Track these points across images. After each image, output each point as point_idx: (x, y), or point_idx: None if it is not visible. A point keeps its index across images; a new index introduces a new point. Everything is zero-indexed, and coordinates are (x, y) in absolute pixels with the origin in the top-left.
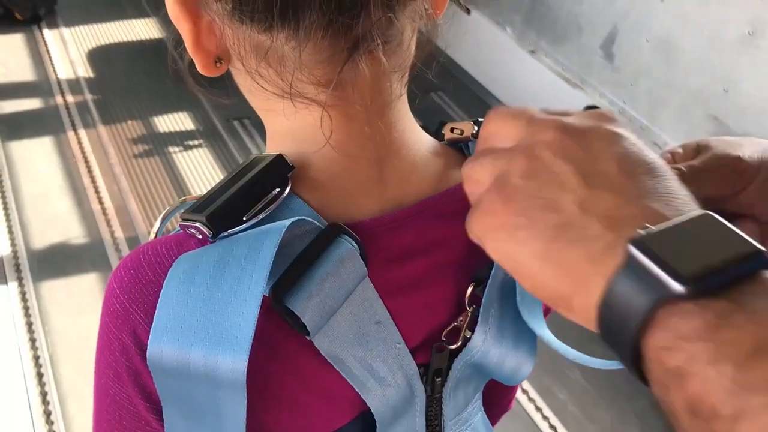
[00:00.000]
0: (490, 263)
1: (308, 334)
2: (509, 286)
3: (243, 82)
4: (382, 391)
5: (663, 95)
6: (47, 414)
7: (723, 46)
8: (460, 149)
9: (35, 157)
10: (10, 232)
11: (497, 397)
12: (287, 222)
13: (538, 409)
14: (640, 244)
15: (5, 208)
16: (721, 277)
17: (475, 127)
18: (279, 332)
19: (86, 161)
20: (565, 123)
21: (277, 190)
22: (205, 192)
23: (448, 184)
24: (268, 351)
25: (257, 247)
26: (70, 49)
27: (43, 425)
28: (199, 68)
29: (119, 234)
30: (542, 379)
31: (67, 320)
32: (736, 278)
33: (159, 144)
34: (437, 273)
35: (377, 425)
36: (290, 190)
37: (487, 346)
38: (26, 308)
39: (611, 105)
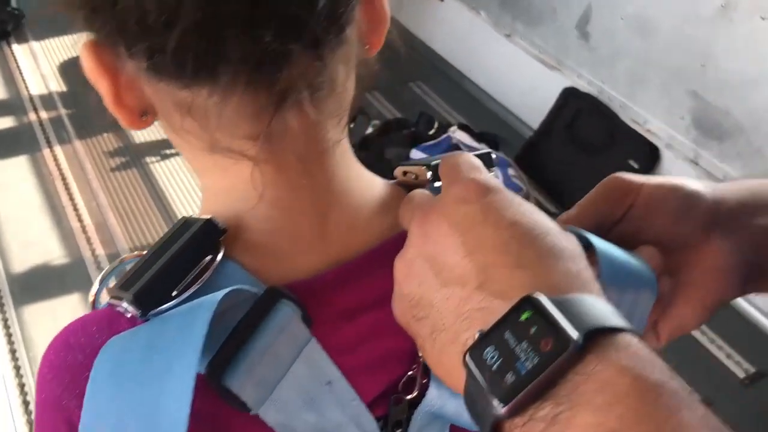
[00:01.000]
0: None
1: (249, 410)
2: None
3: (171, 138)
4: None
5: (641, 73)
6: None
7: (698, 21)
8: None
9: (11, 177)
10: None
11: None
12: (219, 296)
13: None
14: (474, 353)
15: None
16: (537, 391)
17: (429, 173)
18: (223, 410)
19: (63, 178)
20: (425, 219)
21: (209, 257)
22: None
23: (397, 230)
24: (217, 428)
25: (187, 327)
26: (41, 63)
27: None
28: (122, 125)
29: (100, 251)
30: None
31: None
32: (553, 380)
33: (136, 155)
34: (390, 325)
35: None
36: (223, 255)
37: (443, 399)
38: (9, 335)
39: (590, 85)
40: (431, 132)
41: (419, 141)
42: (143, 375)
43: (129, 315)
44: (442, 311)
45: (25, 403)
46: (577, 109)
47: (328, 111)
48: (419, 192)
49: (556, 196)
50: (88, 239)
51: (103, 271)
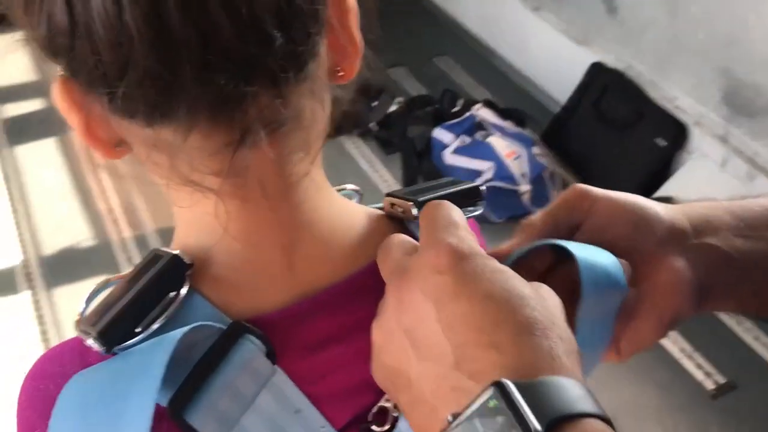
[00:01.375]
0: None
1: None
2: None
3: (144, 168)
4: None
5: (670, 49)
6: None
7: None
8: (400, 221)
9: (40, 161)
10: (21, 240)
11: None
12: (179, 334)
13: None
14: None
15: (15, 216)
16: None
17: (414, 210)
18: None
19: (91, 161)
20: (401, 285)
21: (173, 293)
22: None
23: (369, 259)
24: None
25: (146, 364)
26: None
27: None
28: (99, 155)
29: (127, 233)
30: None
31: None
32: None
33: None
34: (359, 355)
35: None
36: (188, 290)
37: None
38: (40, 316)
39: (618, 60)
40: (455, 109)
41: (443, 119)
42: (104, 409)
43: (95, 350)
44: (421, 385)
45: None
46: (604, 85)
47: (294, 145)
48: (397, 242)
49: (582, 174)
50: (115, 221)
51: (90, 291)
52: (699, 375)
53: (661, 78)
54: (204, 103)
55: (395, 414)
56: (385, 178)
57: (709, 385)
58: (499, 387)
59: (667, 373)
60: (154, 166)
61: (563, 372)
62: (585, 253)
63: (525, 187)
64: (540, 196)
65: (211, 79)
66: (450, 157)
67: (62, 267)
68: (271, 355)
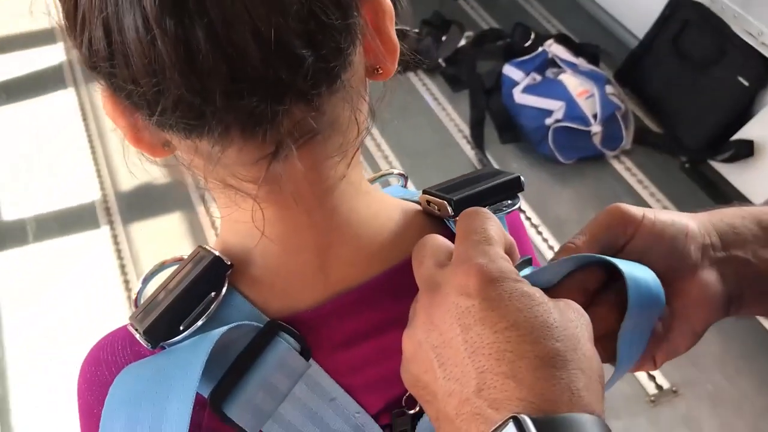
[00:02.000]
0: None
1: None
2: None
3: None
4: None
5: None
6: None
7: None
8: (437, 218)
9: None
10: (99, 176)
11: None
12: (217, 334)
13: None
14: None
15: (93, 153)
16: None
17: (450, 208)
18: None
19: None
20: (431, 303)
21: (213, 293)
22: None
23: (403, 256)
24: None
25: (188, 361)
26: None
27: None
28: (146, 156)
29: None
30: None
31: (157, 261)
32: None
33: None
34: (389, 350)
35: None
36: (228, 289)
37: None
38: (118, 251)
39: None
40: (527, 44)
41: (513, 54)
42: (149, 402)
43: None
44: (446, 403)
45: None
46: (685, 20)
47: (330, 150)
48: (431, 247)
49: (658, 114)
50: None
51: (146, 273)
52: (766, 323)
53: (747, 11)
54: (237, 123)
55: None
56: (452, 116)
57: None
58: (517, 422)
59: (730, 320)
60: (197, 170)
61: (582, 408)
62: (631, 269)
63: (596, 128)
64: (611, 137)
65: (241, 103)
66: (519, 96)
67: (139, 203)
68: (305, 352)
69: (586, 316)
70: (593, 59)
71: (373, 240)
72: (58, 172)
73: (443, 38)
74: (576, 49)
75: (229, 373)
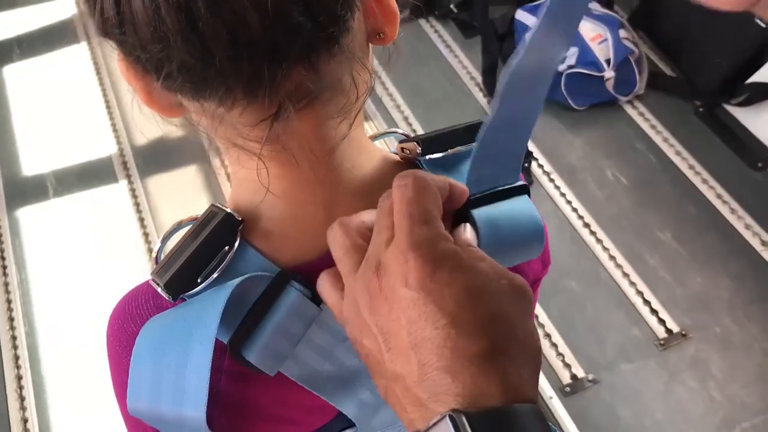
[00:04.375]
0: None
1: (269, 374)
2: None
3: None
4: (357, 395)
5: None
6: None
7: None
8: (412, 164)
9: None
10: (115, 130)
11: None
12: (232, 285)
13: (626, 275)
14: None
15: (107, 106)
16: None
17: (419, 148)
18: (251, 367)
19: None
20: (371, 287)
21: (227, 248)
22: None
23: None
24: (245, 383)
25: (205, 312)
26: None
27: None
28: (161, 116)
29: None
30: (631, 244)
31: (175, 213)
32: None
33: None
34: None
35: (357, 426)
36: (240, 243)
37: None
38: (137, 204)
39: None
40: None
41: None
42: (173, 348)
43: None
44: (393, 386)
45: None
46: None
47: (332, 111)
48: (360, 222)
49: (672, 58)
50: None
51: (165, 232)
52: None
53: None
54: (238, 86)
55: None
56: (465, 63)
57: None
58: (452, 419)
59: (741, 264)
60: (207, 129)
61: (516, 397)
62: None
63: (609, 73)
64: (625, 82)
65: (242, 67)
66: None
67: (155, 157)
68: (316, 298)
69: (530, 291)
70: (607, 2)
71: (374, 195)
72: (74, 127)
73: None
74: None
75: (246, 319)
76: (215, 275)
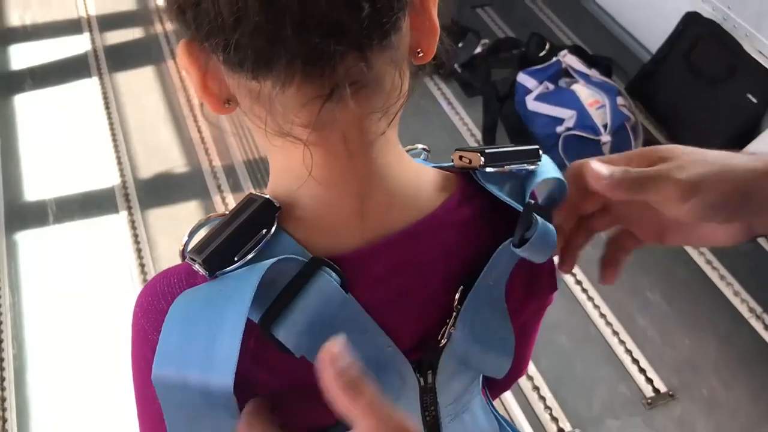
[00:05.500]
0: (475, 266)
1: (294, 354)
2: (491, 290)
3: (248, 121)
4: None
5: None
6: None
7: None
8: (468, 174)
9: (139, 88)
10: (119, 162)
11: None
12: (269, 262)
13: (615, 333)
14: None
15: (114, 140)
16: None
17: (482, 158)
18: (274, 352)
19: (185, 90)
20: None
21: (264, 231)
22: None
23: (429, 209)
24: (266, 368)
25: (241, 286)
26: None
27: None
28: (210, 109)
29: (216, 162)
30: (622, 303)
31: (173, 247)
32: None
33: None
34: (418, 289)
35: None
36: (276, 229)
37: (466, 345)
38: (135, 235)
39: (714, 10)
40: (542, 54)
41: (528, 63)
42: (205, 319)
43: (201, 273)
44: None
45: None
46: (697, 36)
47: (374, 106)
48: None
49: (667, 128)
50: (206, 150)
51: (193, 226)
52: (759, 328)
53: (758, 31)
54: (300, 57)
55: (452, 330)
56: (465, 120)
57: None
58: None
59: (728, 328)
60: (255, 118)
61: None
62: None
63: (606, 138)
64: (620, 147)
65: (307, 36)
66: (532, 103)
67: (157, 191)
68: (344, 286)
69: None
70: (606, 71)
71: (403, 192)
72: (79, 158)
73: (460, 45)
74: (589, 60)
75: (278, 299)
76: (251, 255)
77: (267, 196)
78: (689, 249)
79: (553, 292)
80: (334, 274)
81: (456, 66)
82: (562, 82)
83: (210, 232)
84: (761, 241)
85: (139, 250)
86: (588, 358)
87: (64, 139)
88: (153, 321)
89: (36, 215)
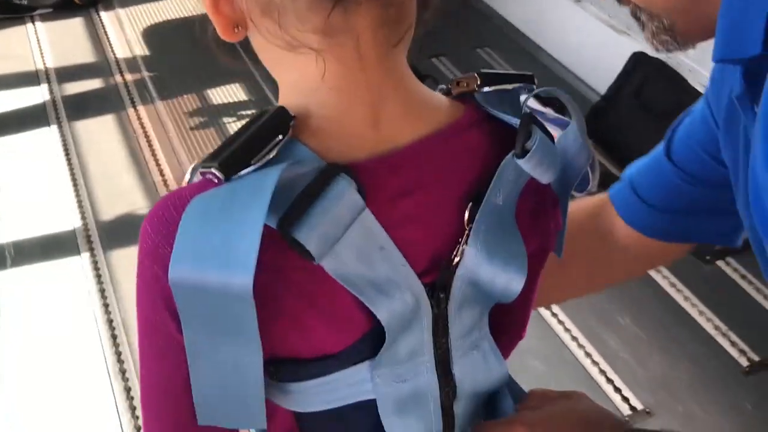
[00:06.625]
0: (484, 187)
1: (314, 259)
2: (501, 210)
3: (255, 41)
4: (390, 303)
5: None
6: (122, 372)
7: None
8: (470, 101)
9: (99, 135)
10: (80, 206)
11: (507, 325)
12: (285, 165)
13: (588, 354)
14: None
15: (75, 185)
16: None
17: (479, 80)
18: (289, 262)
19: (146, 136)
20: None
21: (280, 137)
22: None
23: (440, 125)
24: (281, 279)
25: (260, 184)
26: (126, 29)
27: (119, 381)
28: (219, 33)
29: None
30: (592, 327)
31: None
32: None
33: (214, 116)
34: (434, 206)
35: (386, 336)
36: (291, 135)
37: (478, 261)
38: (98, 276)
39: (659, 50)
40: None
41: None
42: (222, 220)
43: (216, 180)
44: None
45: (113, 337)
46: (645, 75)
47: (389, 18)
48: None
49: (623, 162)
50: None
51: (194, 164)
52: (733, 352)
53: (701, 66)
54: None
55: (464, 247)
56: None
57: (743, 362)
58: None
59: (701, 349)
60: (266, 33)
61: None
62: None
63: None
64: (580, 180)
65: None
66: None
67: (119, 233)
68: (361, 192)
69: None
70: (560, 110)
71: (418, 104)
72: (39, 202)
73: None
74: (543, 101)
75: (296, 201)
76: (266, 159)
77: (281, 105)
78: (653, 273)
79: (557, 231)
80: (351, 180)
81: None
82: None
83: (223, 143)
84: (720, 263)
85: (102, 290)
86: (563, 380)
87: (23, 185)
88: (165, 233)
89: None
